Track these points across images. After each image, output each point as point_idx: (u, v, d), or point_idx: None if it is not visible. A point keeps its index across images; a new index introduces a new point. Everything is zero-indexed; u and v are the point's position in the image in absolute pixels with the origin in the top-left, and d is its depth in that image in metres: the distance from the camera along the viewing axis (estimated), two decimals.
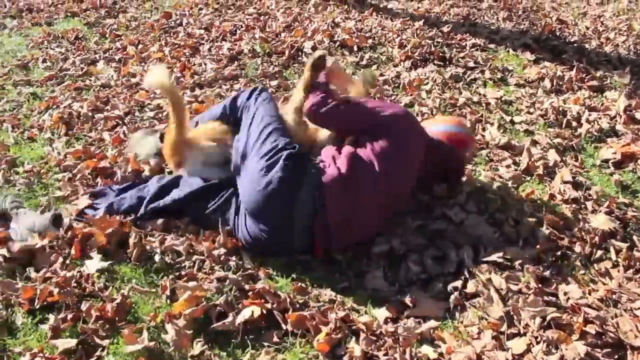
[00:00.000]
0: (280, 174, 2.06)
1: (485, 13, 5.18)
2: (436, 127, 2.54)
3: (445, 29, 4.57)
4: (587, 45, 4.38)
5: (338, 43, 4.33)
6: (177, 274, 2.09)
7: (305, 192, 2.07)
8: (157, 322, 1.87)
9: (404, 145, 2.25)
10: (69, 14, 5.35)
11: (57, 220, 2.27)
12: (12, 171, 2.78)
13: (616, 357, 1.77)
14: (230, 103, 2.54)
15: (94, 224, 2.20)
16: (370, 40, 4.37)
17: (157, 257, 2.14)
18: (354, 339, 1.82)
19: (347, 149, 2.22)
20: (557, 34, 4.62)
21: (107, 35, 4.75)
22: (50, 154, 2.92)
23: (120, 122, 3.23)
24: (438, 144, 2.44)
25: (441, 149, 2.45)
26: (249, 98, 2.45)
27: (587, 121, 3.19)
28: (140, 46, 4.42)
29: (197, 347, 1.78)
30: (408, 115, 2.38)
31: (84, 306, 1.89)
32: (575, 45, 4.38)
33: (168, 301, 1.97)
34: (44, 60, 4.22)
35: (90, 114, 3.30)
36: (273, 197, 2.06)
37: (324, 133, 2.49)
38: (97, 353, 1.78)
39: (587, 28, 4.81)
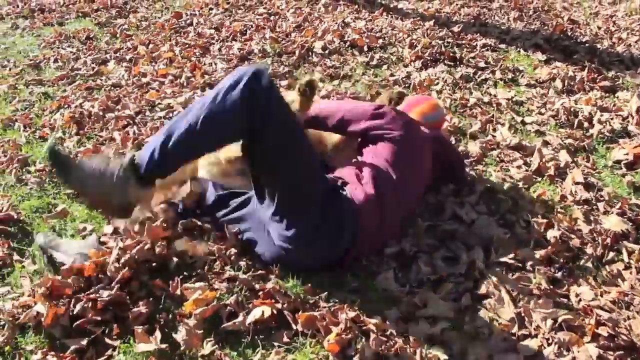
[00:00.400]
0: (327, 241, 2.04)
1: (496, 13, 5.16)
2: (424, 118, 2.59)
3: (455, 29, 4.56)
4: (599, 46, 4.35)
5: (348, 43, 4.33)
6: (188, 274, 2.09)
7: (346, 222, 2.03)
8: (168, 321, 1.88)
9: (412, 146, 2.29)
10: (80, 14, 5.38)
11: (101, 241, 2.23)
12: (24, 170, 2.80)
13: (629, 359, 1.76)
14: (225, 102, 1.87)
15: (147, 233, 2.16)
16: (380, 40, 4.37)
17: (174, 260, 2.13)
18: (364, 339, 1.82)
19: (366, 167, 2.21)
20: (569, 34, 4.59)
21: (118, 35, 4.78)
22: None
23: (131, 121, 3.24)
24: (439, 137, 2.53)
25: (442, 142, 2.55)
26: (255, 97, 1.86)
27: (599, 122, 3.17)
28: (151, 46, 4.44)
29: (208, 347, 1.79)
30: (404, 116, 2.39)
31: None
32: (586, 45, 4.35)
33: (179, 301, 1.97)
34: (56, 60, 4.25)
35: (101, 113, 3.31)
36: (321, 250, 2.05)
37: (330, 141, 2.50)
38: (108, 352, 1.79)
39: (599, 28, 4.79)
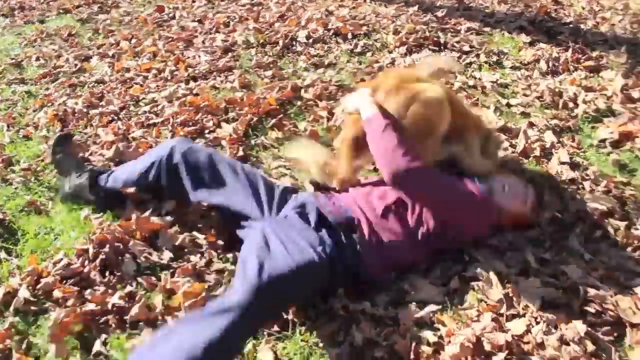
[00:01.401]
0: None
1: None
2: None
3: (439, 13, 4.54)
4: (582, 26, 4.35)
5: (332, 31, 4.30)
6: (177, 266, 2.09)
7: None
8: (158, 315, 1.88)
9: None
10: (61, 11, 5.32)
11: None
12: (8, 170, 2.78)
13: (615, 334, 1.79)
14: None
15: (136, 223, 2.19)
16: (364, 27, 4.34)
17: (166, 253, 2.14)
18: (354, 326, 1.83)
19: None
20: (553, 15, 4.58)
21: (100, 31, 4.73)
22: (46, 151, 2.91)
23: (115, 117, 3.23)
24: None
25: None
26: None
27: (584, 101, 3.18)
28: (133, 41, 4.40)
29: None
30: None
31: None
32: (570, 26, 4.35)
33: (168, 294, 1.97)
34: (38, 58, 4.20)
35: (85, 110, 3.29)
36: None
37: None
38: (98, 348, 1.79)
39: (583, 8, 4.78)
